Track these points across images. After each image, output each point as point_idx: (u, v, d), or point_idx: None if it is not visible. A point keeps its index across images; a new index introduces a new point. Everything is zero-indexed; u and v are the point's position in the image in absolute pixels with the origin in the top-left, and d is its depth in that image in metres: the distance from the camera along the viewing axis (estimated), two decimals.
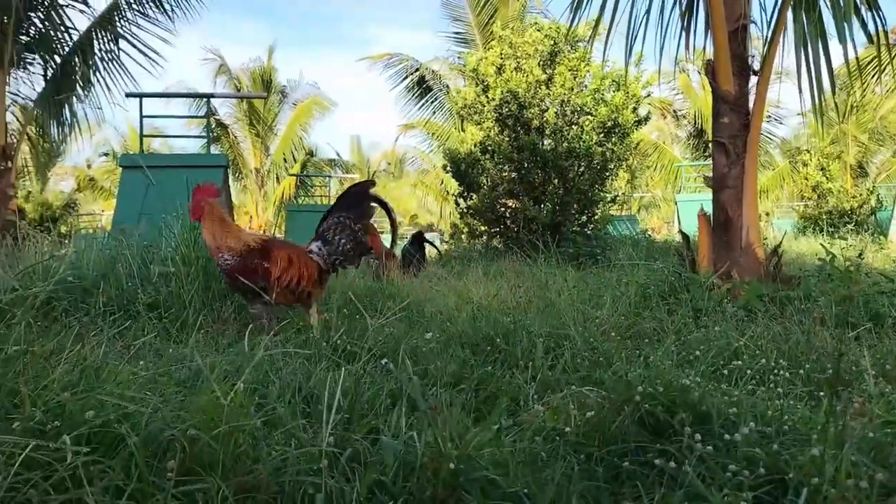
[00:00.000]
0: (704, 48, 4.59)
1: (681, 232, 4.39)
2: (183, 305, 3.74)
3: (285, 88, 26.59)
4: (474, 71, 10.86)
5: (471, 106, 10.87)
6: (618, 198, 11.63)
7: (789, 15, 3.79)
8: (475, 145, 11.04)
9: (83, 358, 2.15)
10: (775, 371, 2.31)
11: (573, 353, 2.68)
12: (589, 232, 10.70)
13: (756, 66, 4.11)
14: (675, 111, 28.05)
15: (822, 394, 1.94)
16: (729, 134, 3.81)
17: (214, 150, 24.55)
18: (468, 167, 11.01)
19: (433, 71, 18.31)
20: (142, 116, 7.47)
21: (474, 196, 10.96)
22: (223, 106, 25.63)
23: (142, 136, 7.42)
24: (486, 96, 10.70)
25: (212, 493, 1.45)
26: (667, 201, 34.98)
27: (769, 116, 24.39)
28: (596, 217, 11.00)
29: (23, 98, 11.86)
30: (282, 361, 2.43)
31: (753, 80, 4.06)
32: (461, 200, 11.25)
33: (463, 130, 11.85)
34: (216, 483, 1.46)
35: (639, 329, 3.11)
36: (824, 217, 16.26)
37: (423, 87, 18.42)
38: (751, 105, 3.86)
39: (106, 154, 32.07)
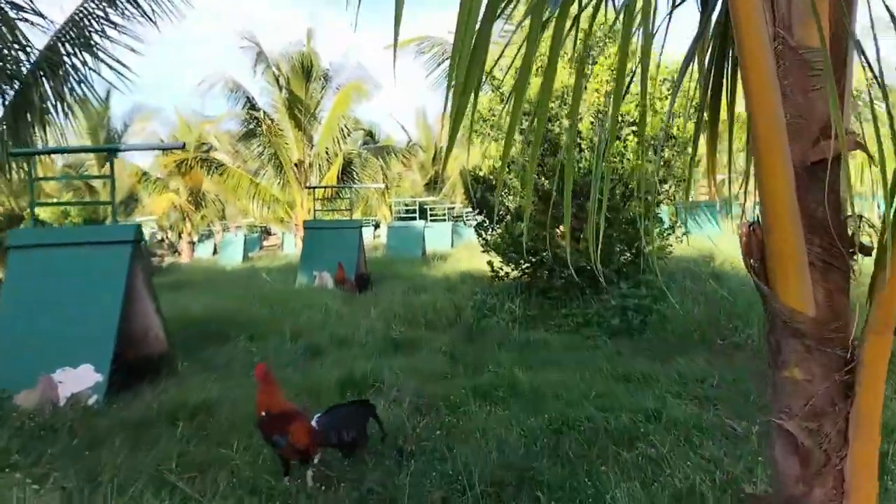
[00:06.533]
0: None
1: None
2: None
3: (328, 72, 24.88)
4: (488, 74, 8.73)
5: (486, 119, 8.78)
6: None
7: None
8: (500, 159, 8.97)
9: None
10: None
11: None
12: (639, 274, 8.50)
13: None
14: None
15: None
16: None
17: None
18: (487, 191, 8.98)
19: None
20: (32, 179, 5.84)
21: (497, 229, 8.95)
22: (262, 95, 24.27)
23: (33, 204, 5.79)
24: (506, 107, 8.58)
25: None
26: None
27: None
28: (648, 249, 8.76)
29: None
30: None
31: None
32: (482, 232, 9.25)
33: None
34: None
35: None
36: None
37: None
38: None
39: None
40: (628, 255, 8.51)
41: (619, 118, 7.97)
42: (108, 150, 5.96)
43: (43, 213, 26.07)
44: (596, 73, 7.93)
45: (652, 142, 8.17)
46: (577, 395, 5.04)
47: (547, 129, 8.17)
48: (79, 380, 5.39)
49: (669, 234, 8.72)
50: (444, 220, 29.53)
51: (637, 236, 8.46)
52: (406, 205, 32.05)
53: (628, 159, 7.97)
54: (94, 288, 5.67)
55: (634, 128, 8.03)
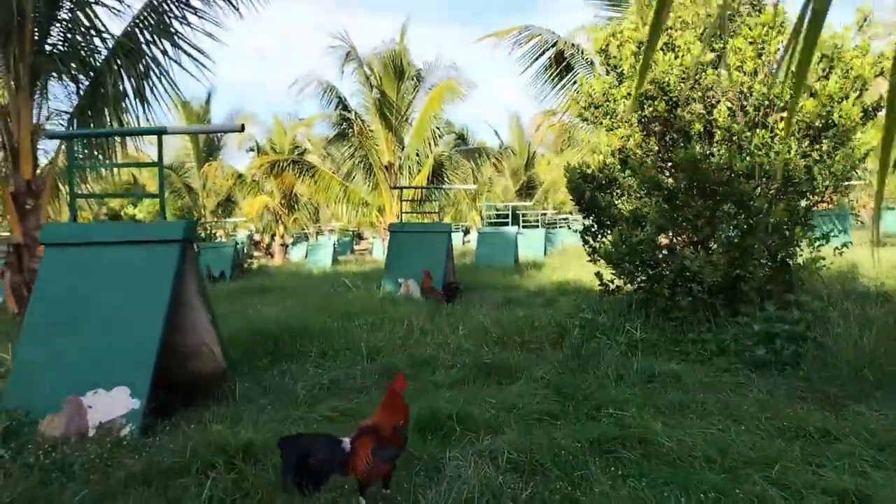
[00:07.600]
0: None
1: None
2: None
3: (420, 71, 24.06)
4: (603, 52, 7.43)
5: (598, 105, 7.49)
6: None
7: None
8: (611, 154, 7.66)
9: None
10: None
11: None
12: (786, 292, 6.96)
13: None
14: None
15: None
16: None
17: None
18: (598, 190, 7.68)
19: (574, 45, 14.78)
20: (72, 165, 5.07)
21: (608, 235, 7.63)
22: (353, 97, 23.74)
23: (73, 195, 4.95)
24: (623, 90, 7.26)
25: None
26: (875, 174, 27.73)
27: None
28: (797, 263, 7.21)
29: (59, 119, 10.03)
30: None
31: None
32: (589, 238, 7.95)
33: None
34: None
35: None
36: None
37: (562, 65, 14.97)
38: None
39: (252, 150, 31.76)
40: (768, 268, 6.99)
41: (767, 100, 6.50)
42: (156, 132, 5.10)
43: (140, 212, 26.63)
44: (737, 46, 6.50)
45: (805, 130, 6.66)
46: (736, 460, 3.70)
47: (674, 116, 6.80)
48: (112, 405, 4.52)
49: (823, 244, 7.12)
50: (537, 226, 28.15)
51: (783, 247, 6.95)
52: (497, 209, 30.81)
53: (776, 152, 6.48)
54: (135, 295, 4.81)
55: (785, 113, 6.54)
